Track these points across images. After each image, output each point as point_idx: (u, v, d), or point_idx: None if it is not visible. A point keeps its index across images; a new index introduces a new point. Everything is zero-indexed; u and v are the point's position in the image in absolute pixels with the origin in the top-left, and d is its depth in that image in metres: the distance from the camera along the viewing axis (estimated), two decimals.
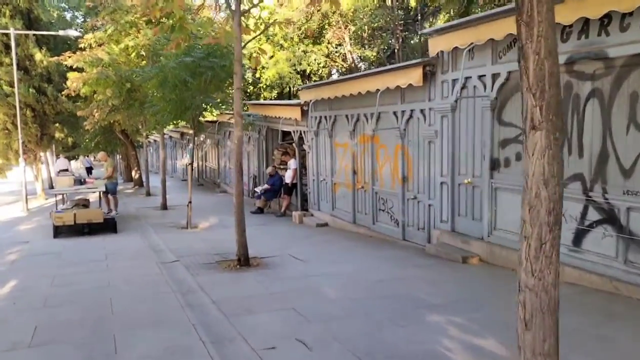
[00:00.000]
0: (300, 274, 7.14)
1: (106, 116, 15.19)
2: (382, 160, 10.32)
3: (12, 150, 19.42)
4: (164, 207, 16.69)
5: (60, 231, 11.13)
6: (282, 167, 16.61)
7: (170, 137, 35.06)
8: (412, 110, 9.22)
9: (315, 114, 12.80)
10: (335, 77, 22.00)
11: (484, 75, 7.54)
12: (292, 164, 14.60)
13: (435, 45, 8.22)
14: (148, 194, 21.56)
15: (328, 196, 12.74)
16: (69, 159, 32.13)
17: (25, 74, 19.25)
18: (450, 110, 8.22)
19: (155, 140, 41.47)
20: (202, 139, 26.97)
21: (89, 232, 11.31)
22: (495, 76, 7.37)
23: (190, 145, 14.55)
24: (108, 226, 11.56)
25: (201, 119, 14.66)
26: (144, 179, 24.41)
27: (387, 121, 9.84)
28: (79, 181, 14.61)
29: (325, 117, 12.51)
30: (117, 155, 38.81)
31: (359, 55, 19.48)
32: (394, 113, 9.70)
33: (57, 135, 21.77)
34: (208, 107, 12.14)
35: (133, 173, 25.88)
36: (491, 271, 6.97)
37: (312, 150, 13.44)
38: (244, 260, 7.84)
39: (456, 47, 7.73)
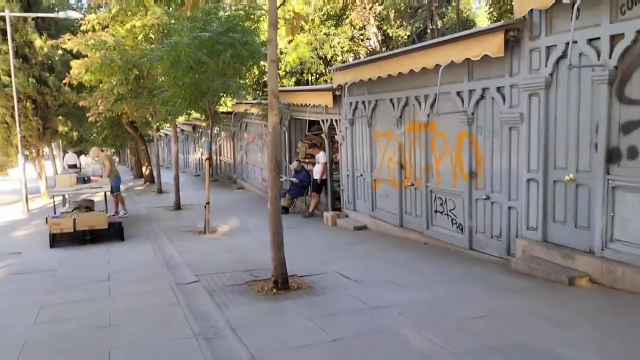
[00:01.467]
0: (360, 304, 5.40)
1: (111, 106, 13.55)
2: (440, 152, 8.54)
3: (12, 146, 17.87)
4: (178, 206, 15.04)
5: (57, 240, 9.49)
6: (307, 161, 14.90)
7: (182, 130, 33.46)
8: (484, 89, 7.42)
9: (351, 100, 11.03)
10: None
11: (597, 39, 5.72)
12: (321, 157, 12.86)
13: (524, 3, 6.39)
14: (160, 191, 19.96)
15: (366, 194, 10.99)
16: (79, 154, 30.75)
17: (24, 62, 17.66)
18: (543, 87, 6.41)
19: (166, 134, 39.96)
20: (216, 131, 25.31)
21: (91, 240, 9.67)
22: (615, 38, 5.55)
23: (207, 137, 12.86)
24: (113, 233, 9.91)
25: (218, 108, 12.94)
26: (155, 175, 22.80)
27: (448, 104, 8.05)
28: (83, 179, 12.98)
29: (364, 103, 10.73)
30: (127, 150, 37.32)
31: (392, 35, 17.66)
32: (458, 94, 7.90)
33: (61, 129, 20.19)
34: (228, 92, 10.36)
35: (144, 169, 24.30)
36: (620, 299, 5.19)
37: (345, 142, 11.68)
38: (282, 283, 6.12)
39: (556, 3, 5.90)
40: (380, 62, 9.47)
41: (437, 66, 7.85)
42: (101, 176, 13.59)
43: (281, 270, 6.14)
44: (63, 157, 35.91)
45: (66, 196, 12.28)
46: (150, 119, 20.21)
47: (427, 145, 8.82)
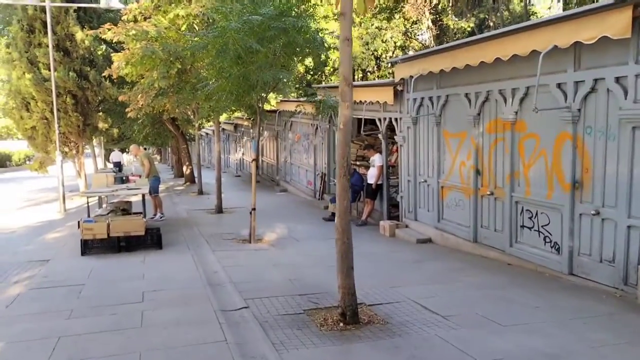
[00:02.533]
0: (458, 353, 4.16)
1: (152, 102, 12.68)
2: (530, 157, 7.19)
3: (52, 142, 17.28)
4: (219, 209, 14.07)
5: (89, 247, 8.57)
6: (358, 164, 13.70)
7: (223, 129, 32.78)
8: (596, 80, 6.06)
9: (415, 95, 9.77)
10: None
11: None
12: (377, 160, 11.62)
13: None
14: (200, 192, 19.11)
15: (431, 203, 9.70)
16: (122, 151, 30.45)
17: (65, 55, 17.04)
18: None
19: (207, 133, 39.44)
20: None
21: (126, 247, 8.71)
22: None
23: (252, 136, 11.81)
24: (151, 240, 8.93)
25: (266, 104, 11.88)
26: (196, 175, 22.03)
27: (544, 99, 6.70)
28: (121, 179, 12.13)
29: (431, 99, 9.46)
30: (168, 149, 36.92)
31: (453, 27, 16.31)
32: (559, 86, 6.55)
33: (101, 125, 19.58)
34: (279, 85, 9.27)
35: (184, 168, 23.57)
36: None
37: (407, 143, 10.42)
38: (351, 316, 4.93)
39: None
40: (455, 51, 8.17)
41: (534, 53, 6.54)
42: (140, 176, 12.72)
43: (350, 300, 4.95)
44: (108, 155, 35.93)
45: (103, 197, 11.39)
46: (192, 116, 19.45)
47: (513, 148, 7.48)
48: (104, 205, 11.65)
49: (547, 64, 6.39)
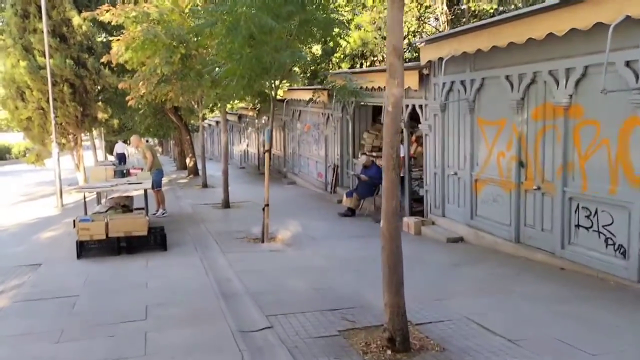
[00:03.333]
0: None
1: (154, 89, 11.76)
2: (589, 146, 6.28)
3: (48, 134, 16.35)
4: (226, 204, 13.19)
5: (86, 248, 7.70)
6: (375, 155, 12.80)
7: (227, 120, 31.77)
8: None
9: (445, 79, 8.84)
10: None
11: None
12: (399, 151, 10.68)
13: None
14: (205, 185, 18.22)
15: (462, 198, 8.81)
16: (126, 142, 29.57)
17: (61, 42, 16.08)
18: None
19: (209, 124, 38.45)
20: (264, 121, 23.48)
21: (127, 249, 7.84)
22: None
23: (265, 125, 10.92)
24: (154, 241, 8.05)
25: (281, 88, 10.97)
26: (199, 167, 21.14)
27: (610, 80, 5.77)
28: (121, 173, 11.26)
29: (463, 82, 8.53)
30: (170, 141, 35.95)
31: (474, 9, 15.31)
32: (628, 64, 5.62)
33: (101, 115, 18.62)
34: (299, 66, 8.35)
35: (187, 160, 22.68)
36: None
37: (433, 132, 9.51)
38: (401, 342, 4.04)
39: None
40: (496, 28, 7.23)
41: (597, 27, 5.61)
42: (142, 169, 11.83)
43: (400, 323, 4.06)
44: (109, 147, 34.97)
45: (101, 192, 10.49)
46: (195, 106, 18.51)
47: (567, 136, 6.57)
48: (103, 201, 10.78)
49: (614, 38, 5.46)
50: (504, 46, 7.05)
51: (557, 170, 6.72)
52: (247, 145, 27.76)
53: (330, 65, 21.95)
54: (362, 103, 13.21)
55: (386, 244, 4.21)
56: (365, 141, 13.42)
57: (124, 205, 9.69)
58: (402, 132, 11.24)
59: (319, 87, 14.54)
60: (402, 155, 10.62)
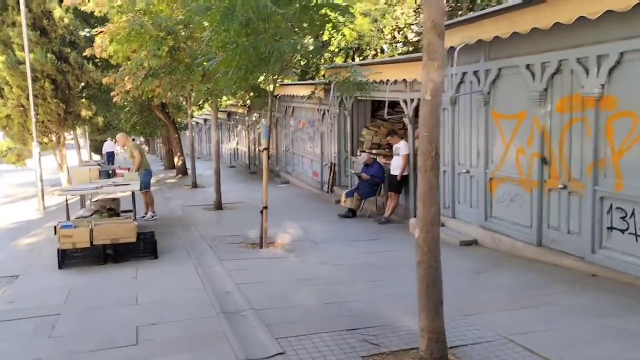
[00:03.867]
0: None
1: (140, 84, 11.02)
2: (624, 141, 5.71)
3: (29, 132, 15.56)
4: (219, 205, 12.52)
5: (69, 257, 6.99)
6: (374, 152, 12.21)
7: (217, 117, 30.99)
8: None
9: (456, 70, 8.25)
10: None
11: None
12: (403, 148, 10.11)
13: None
14: (195, 185, 17.51)
15: (475, 198, 8.23)
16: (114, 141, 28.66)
17: (42, 35, 15.32)
18: None
19: (197, 122, 37.58)
20: (254, 118, 22.81)
21: (114, 257, 7.14)
22: None
23: (264, 120, 10.30)
24: (144, 248, 7.36)
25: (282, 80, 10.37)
26: (188, 166, 20.43)
27: None
28: (107, 173, 10.52)
29: (476, 73, 7.94)
30: (157, 140, 35.05)
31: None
32: None
33: (84, 113, 17.83)
34: (303, 55, 7.73)
35: (175, 159, 21.92)
36: None
37: (443, 127, 8.90)
38: None
39: None
40: (516, 13, 6.63)
41: (638, 8, 5.04)
42: (129, 169, 11.10)
43: (439, 350, 3.43)
44: (94, 146, 33.96)
45: (85, 196, 9.74)
46: (184, 102, 17.79)
47: (598, 130, 6.00)
48: (87, 204, 10.05)
49: None
50: (525, 32, 6.47)
51: (586, 168, 6.14)
52: (237, 144, 27.06)
53: (322, 60, 21.32)
54: (361, 98, 12.61)
55: (423, 258, 3.60)
56: (364, 138, 12.81)
57: (110, 209, 8.98)
58: (405, 128, 10.68)
59: (318, 81, 13.92)
60: (406, 153, 10.06)
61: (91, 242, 6.96)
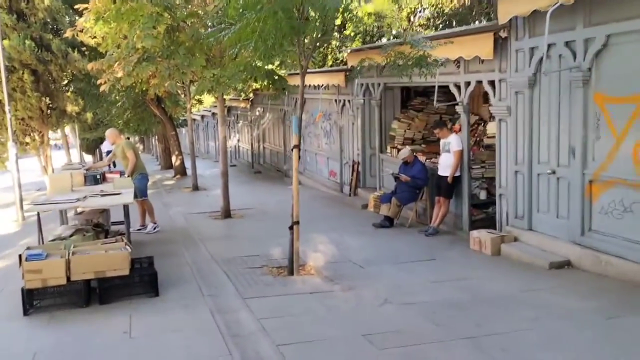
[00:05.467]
0: None
1: (133, 69, 9.12)
2: None
3: (6, 131, 13.64)
4: (227, 213, 10.67)
5: (36, 299, 5.12)
6: (409, 148, 10.40)
7: (213, 113, 29.41)
8: None
9: (530, 44, 6.43)
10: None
11: None
12: (455, 142, 8.26)
13: None
14: (196, 187, 15.64)
15: (566, 205, 6.40)
16: (100, 141, 26.67)
17: (19, 20, 13.36)
18: None
19: (194, 119, 35.55)
20: (258, 113, 20.95)
21: (100, 296, 5.28)
22: None
23: (296, 111, 8.49)
24: (140, 282, 5.49)
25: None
26: (188, 166, 18.55)
27: None
28: (94, 178, 8.65)
29: (569, 45, 6.10)
30: (153, 138, 32.95)
31: None
32: None
33: (70, 109, 15.86)
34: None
35: (173, 159, 20.02)
36: None
37: (513, 116, 7.09)
38: None
39: None
40: None
41: None
42: (121, 173, 9.21)
43: None
44: (86, 146, 31.73)
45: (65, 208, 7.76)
46: (182, 95, 15.89)
47: None
48: (70, 215, 8.17)
49: None
50: None
51: None
52: (239, 141, 25.23)
53: (329, 49, 19.39)
54: (390, 85, 10.78)
55: None
56: (395, 132, 10.96)
57: (97, 225, 7.13)
58: (442, 121, 8.79)
59: (338, 68, 12.10)
60: (459, 149, 8.21)
61: (68, 278, 5.09)
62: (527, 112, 6.83)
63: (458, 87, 8.20)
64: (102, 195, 6.92)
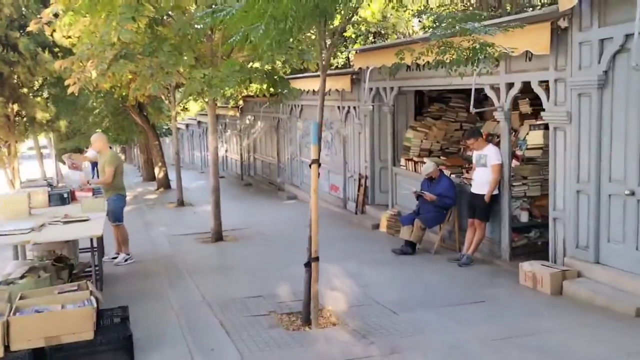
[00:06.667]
0: None
1: (108, 68, 7.66)
2: None
3: None
4: (218, 235, 9.23)
5: None
6: (426, 162, 9.13)
7: (199, 122, 27.99)
8: None
9: (600, 35, 5.16)
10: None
11: None
12: (493, 155, 6.95)
13: None
14: (181, 202, 14.15)
15: None
16: (75, 151, 24.97)
17: None
18: None
19: (178, 128, 33.99)
20: (247, 121, 19.57)
21: None
22: None
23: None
24: (110, 348, 4.03)
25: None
26: (172, 178, 17.09)
27: None
28: (60, 198, 7.19)
29: None
30: (135, 149, 31.13)
31: None
32: None
33: (40, 116, 14.26)
34: None
35: (156, 170, 18.49)
36: None
37: (574, 124, 5.80)
38: None
39: None
40: None
41: None
42: (93, 191, 7.73)
43: None
44: (61, 156, 29.85)
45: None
46: (167, 101, 14.46)
47: None
48: (28, 248, 6.64)
49: None
50: None
51: None
52: (227, 151, 23.78)
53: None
54: (404, 89, 9.48)
55: None
56: (410, 142, 9.64)
57: (59, 259, 5.65)
58: (477, 129, 7.38)
59: (343, 71, 10.78)
60: (499, 162, 6.91)
61: (7, 347, 3.63)
62: (595, 119, 5.53)
63: (496, 89, 6.92)
64: (65, 223, 5.44)
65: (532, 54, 6.20)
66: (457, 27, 4.63)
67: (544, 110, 6.27)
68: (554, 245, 6.26)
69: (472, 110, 6.89)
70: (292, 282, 6.31)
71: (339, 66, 14.94)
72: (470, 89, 7.00)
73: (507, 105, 6.78)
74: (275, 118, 16.21)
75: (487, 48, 4.68)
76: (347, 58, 14.35)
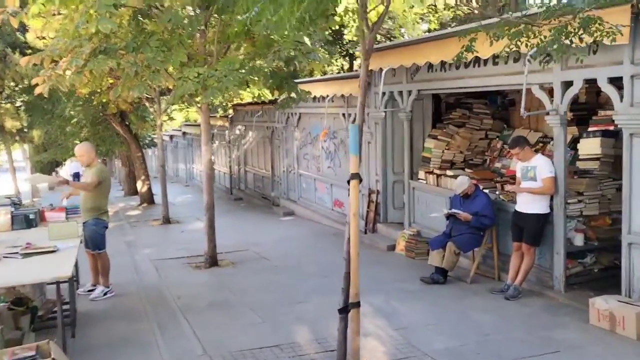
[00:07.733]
0: None
1: (84, 65, 6.38)
2: None
3: None
4: (214, 260, 8.00)
5: None
6: (450, 174, 8.09)
7: (184, 133, 26.74)
8: None
9: None
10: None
11: None
12: (544, 167, 5.85)
13: None
14: (167, 219, 12.86)
15: None
16: (55, 164, 23.56)
17: None
18: None
19: (162, 140, 32.57)
20: (238, 132, 18.36)
21: None
22: None
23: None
24: None
25: None
26: (156, 192, 15.81)
27: None
28: (26, 219, 5.94)
29: None
30: (115, 161, 29.47)
31: None
32: None
33: (10, 125, 12.83)
34: None
35: (139, 184, 17.15)
36: None
37: None
38: None
39: None
40: None
41: None
42: (66, 210, 6.47)
43: None
44: (51, 169, 27.69)
45: None
46: (151, 109, 13.22)
47: None
48: None
49: None
50: None
51: None
52: (214, 164, 22.55)
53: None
54: (423, 93, 8.40)
55: None
56: (430, 152, 8.54)
57: (17, 301, 4.38)
58: (523, 138, 6.26)
59: (349, 74, 9.63)
60: (551, 175, 5.81)
61: None
62: None
63: (548, 90, 5.85)
64: (24, 256, 4.18)
65: (597, 45, 5.14)
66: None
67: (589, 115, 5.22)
68: (628, 275, 5.16)
69: (524, 114, 5.78)
70: (312, 323, 5.16)
71: (333, 72, 13.90)
72: (498, 92, 5.97)
73: (563, 108, 5.71)
74: (270, 128, 15.05)
75: (597, 23, 3.56)
76: (351, 63, 13.29)
